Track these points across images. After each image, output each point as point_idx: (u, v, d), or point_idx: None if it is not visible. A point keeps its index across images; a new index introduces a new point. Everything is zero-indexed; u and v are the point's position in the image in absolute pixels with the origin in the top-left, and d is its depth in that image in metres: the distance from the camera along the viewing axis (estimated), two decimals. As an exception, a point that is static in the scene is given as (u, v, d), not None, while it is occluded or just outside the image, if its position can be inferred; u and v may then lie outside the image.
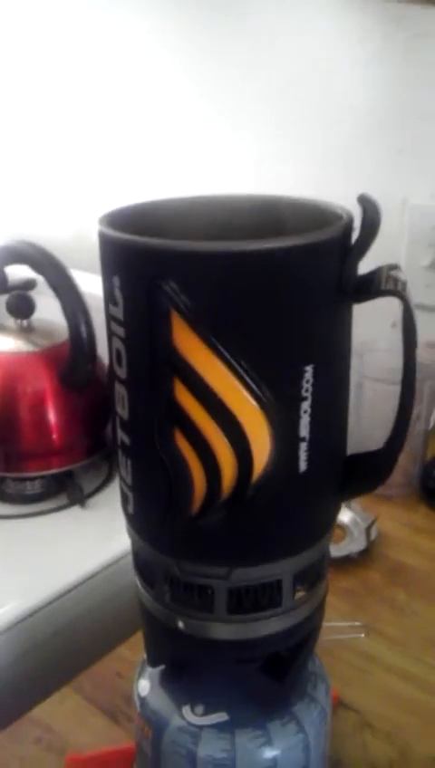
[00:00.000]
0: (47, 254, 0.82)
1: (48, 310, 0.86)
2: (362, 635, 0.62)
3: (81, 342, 0.82)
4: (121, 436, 0.38)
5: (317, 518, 0.39)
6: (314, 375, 0.35)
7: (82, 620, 0.70)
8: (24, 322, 0.88)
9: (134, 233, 0.34)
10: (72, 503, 0.85)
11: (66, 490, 0.87)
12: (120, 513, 0.41)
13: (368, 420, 0.75)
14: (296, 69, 0.98)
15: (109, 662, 0.61)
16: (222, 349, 0.33)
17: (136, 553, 0.42)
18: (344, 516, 0.76)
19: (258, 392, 0.34)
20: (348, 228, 0.35)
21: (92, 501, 0.85)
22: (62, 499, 0.86)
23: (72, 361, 0.84)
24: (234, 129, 1.08)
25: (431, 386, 0.80)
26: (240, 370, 0.34)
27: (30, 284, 0.89)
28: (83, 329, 0.81)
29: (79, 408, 0.87)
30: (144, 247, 0.33)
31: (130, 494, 0.39)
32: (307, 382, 0.35)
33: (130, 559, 0.43)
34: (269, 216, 0.41)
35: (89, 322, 0.81)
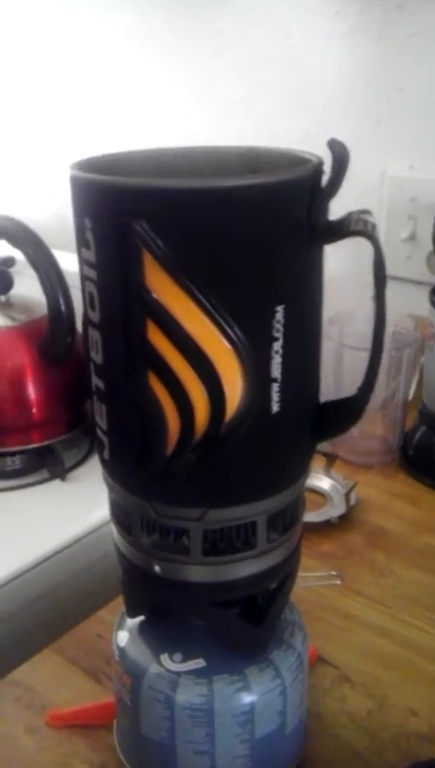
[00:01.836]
0: (26, 228, 0.82)
1: (27, 289, 0.86)
2: (338, 582, 0.62)
3: (59, 315, 0.82)
4: (96, 381, 0.39)
5: (291, 460, 0.40)
6: (285, 315, 0.35)
7: (63, 586, 0.70)
8: (2, 298, 0.88)
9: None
10: (52, 476, 0.85)
11: (47, 465, 0.87)
12: (101, 487, 0.42)
13: (348, 387, 0.76)
14: (270, 44, 0.99)
15: (89, 624, 0.61)
16: (193, 288, 0.34)
17: (112, 501, 0.42)
18: (324, 483, 0.76)
19: (230, 332, 0.35)
20: (317, 170, 0.36)
21: (73, 474, 0.86)
22: (44, 474, 0.86)
23: (50, 335, 0.84)
24: (205, 105, 1.08)
25: (410, 355, 0.81)
26: (212, 310, 0.34)
27: (8, 262, 0.89)
28: (62, 301, 0.81)
29: (59, 382, 0.87)
30: (114, 186, 0.33)
31: (105, 440, 0.40)
32: (278, 323, 0.35)
33: (110, 527, 0.43)
34: (247, 164, 0.42)
35: (67, 295, 0.81)
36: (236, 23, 1.01)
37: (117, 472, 0.40)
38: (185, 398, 0.36)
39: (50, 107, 1.28)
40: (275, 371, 0.36)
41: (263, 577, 0.40)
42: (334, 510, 0.72)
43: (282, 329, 0.36)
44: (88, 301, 0.37)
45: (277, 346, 0.36)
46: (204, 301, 0.34)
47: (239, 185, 0.33)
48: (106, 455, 0.40)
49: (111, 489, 0.41)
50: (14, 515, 0.78)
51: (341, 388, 0.76)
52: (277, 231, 0.34)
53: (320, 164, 0.36)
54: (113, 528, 0.43)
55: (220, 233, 0.33)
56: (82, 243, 0.36)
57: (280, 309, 0.35)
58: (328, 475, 0.77)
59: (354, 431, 0.61)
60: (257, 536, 0.39)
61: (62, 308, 0.82)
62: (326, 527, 0.71)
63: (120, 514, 0.41)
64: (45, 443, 0.87)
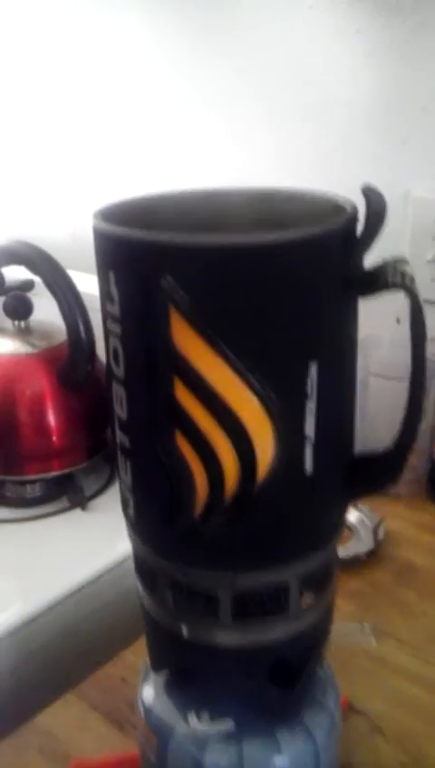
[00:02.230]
0: (44, 254, 0.80)
1: (46, 311, 0.85)
2: (372, 638, 0.60)
3: (79, 342, 0.81)
4: (121, 437, 0.37)
5: (324, 520, 0.38)
6: (319, 372, 0.34)
7: (84, 624, 0.69)
8: (22, 324, 0.87)
9: (130, 227, 0.33)
10: (73, 505, 0.84)
11: (67, 493, 0.85)
12: (122, 516, 0.40)
13: (373, 417, 0.74)
14: (290, 63, 0.97)
15: (113, 667, 0.60)
16: (223, 346, 0.32)
17: (137, 557, 0.40)
18: (351, 516, 0.74)
19: (261, 391, 0.33)
20: (352, 220, 0.34)
21: (94, 503, 0.84)
22: (63, 502, 0.85)
23: (70, 362, 0.83)
24: (227, 125, 1.06)
25: (437, 382, 0.79)
26: (242, 368, 0.33)
27: (27, 285, 0.88)
28: (81, 328, 0.80)
29: (79, 409, 0.85)
30: (140, 241, 0.32)
31: (130, 497, 0.38)
32: (312, 379, 0.34)
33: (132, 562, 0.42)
34: (268, 208, 0.40)
35: (87, 322, 0.80)
36: (255, 40, 1.00)
37: (142, 530, 0.39)
38: (214, 459, 0.34)
39: (70, 125, 1.27)
40: (310, 430, 0.35)
41: (295, 640, 0.39)
42: (362, 545, 0.70)
43: (315, 386, 0.34)
44: (112, 355, 0.35)
45: (311, 404, 0.34)
46: (234, 358, 0.32)
47: (272, 242, 0.31)
48: (131, 512, 0.39)
49: (135, 545, 0.40)
50: (33, 548, 0.77)
51: (366, 420, 0.74)
52: (311, 287, 0.33)
53: (354, 213, 0.34)
54: (138, 584, 0.41)
55: (251, 289, 0.32)
56: (105, 296, 0.34)
57: (314, 365, 0.34)
58: (354, 506, 0.75)
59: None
60: (290, 599, 0.37)
61: (82, 335, 0.81)
62: (354, 563, 0.69)
63: (145, 570, 0.40)
64: (66, 471, 0.86)
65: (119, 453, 0.38)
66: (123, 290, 0.33)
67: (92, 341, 0.82)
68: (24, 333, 0.87)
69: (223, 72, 1.05)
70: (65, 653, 0.67)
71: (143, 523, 0.38)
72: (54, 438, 0.85)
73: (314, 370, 0.34)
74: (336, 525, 0.39)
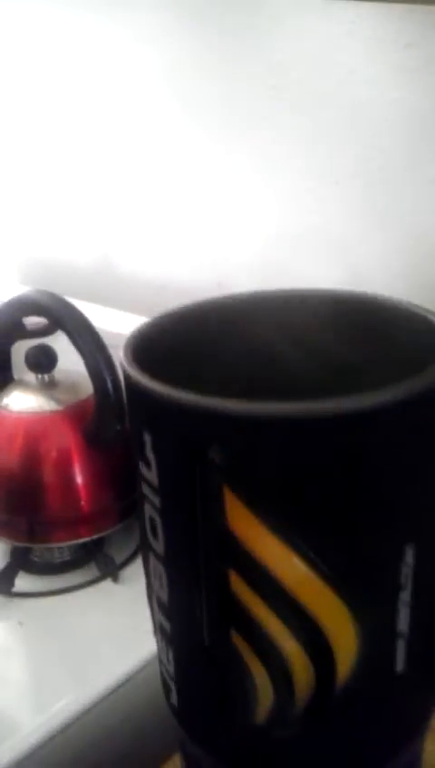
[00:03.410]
0: (66, 305, 0.74)
1: (69, 353, 0.78)
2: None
3: (107, 400, 0.74)
4: (159, 617, 0.30)
5: (413, 720, 0.30)
6: (418, 557, 0.26)
7: (118, 733, 0.62)
8: (46, 377, 0.80)
9: (170, 361, 0.26)
10: (103, 575, 0.77)
11: (95, 559, 0.78)
12: None
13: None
14: (330, 79, 0.89)
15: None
16: (292, 534, 0.25)
17: (182, 748, 0.33)
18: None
19: (340, 583, 0.26)
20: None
21: (126, 573, 0.77)
22: (92, 569, 0.78)
23: (98, 420, 0.76)
24: (261, 144, 0.98)
25: None
26: (316, 559, 0.25)
27: (50, 329, 0.81)
28: (110, 386, 0.73)
29: (108, 469, 0.79)
30: (184, 406, 0.24)
31: (172, 686, 0.31)
32: (407, 566, 0.26)
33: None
34: (363, 320, 0.32)
35: (115, 379, 0.73)
36: (293, 55, 0.92)
37: (189, 724, 0.31)
38: (280, 662, 0.27)
39: (98, 147, 1.20)
40: (402, 625, 0.27)
41: None
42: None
43: (411, 573, 0.26)
44: (149, 525, 0.28)
45: (405, 595, 0.27)
46: (306, 549, 0.25)
47: (355, 410, 0.23)
48: (174, 700, 0.31)
49: (181, 739, 0.33)
50: (59, 635, 0.70)
51: None
52: (405, 453, 0.25)
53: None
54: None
55: (327, 466, 0.24)
56: (141, 458, 0.27)
57: (410, 549, 0.26)
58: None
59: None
60: None
61: (111, 393, 0.74)
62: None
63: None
64: (96, 536, 0.79)
65: (158, 634, 0.30)
66: (163, 457, 0.26)
67: (121, 397, 0.74)
68: (48, 387, 0.80)
69: (256, 90, 0.97)
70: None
71: (190, 717, 0.31)
72: (82, 502, 0.78)
73: (410, 556, 0.26)
74: (425, 721, 0.31)
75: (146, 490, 0.28)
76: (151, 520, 0.28)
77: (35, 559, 0.81)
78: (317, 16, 0.88)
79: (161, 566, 0.28)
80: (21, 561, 0.79)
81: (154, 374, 0.25)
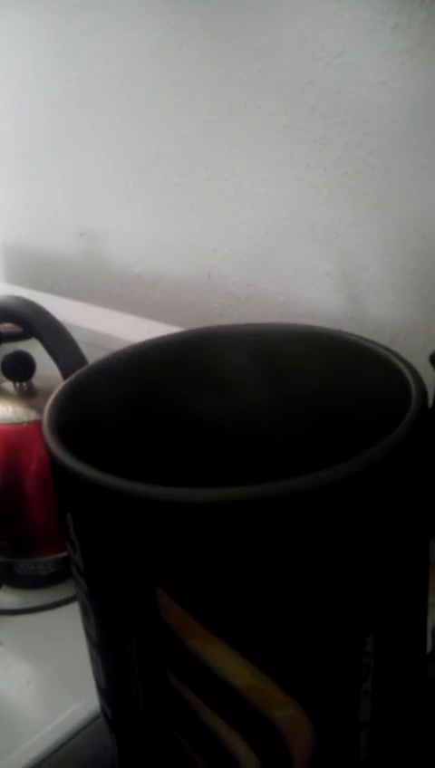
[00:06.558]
0: (41, 311, 0.70)
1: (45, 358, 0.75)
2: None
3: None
4: (101, 702, 0.27)
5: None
6: (377, 645, 0.23)
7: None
8: (24, 385, 0.77)
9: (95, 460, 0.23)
10: (89, 589, 0.75)
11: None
12: None
13: None
14: (316, 62, 0.84)
15: None
16: (234, 634, 0.22)
17: None
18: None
19: (293, 682, 0.23)
20: (420, 414, 0.23)
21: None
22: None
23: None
24: (246, 130, 0.94)
25: None
26: (264, 659, 0.22)
27: (24, 335, 0.78)
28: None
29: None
30: (105, 488, 0.21)
31: (117, 764, 0.28)
32: (368, 656, 0.23)
33: None
34: (305, 350, 0.29)
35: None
36: (278, 38, 0.87)
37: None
38: (227, 761, 0.24)
39: (83, 137, 1.16)
40: (365, 715, 0.24)
41: None
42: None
43: (373, 662, 0.23)
44: (81, 607, 0.25)
45: (367, 685, 0.24)
46: (251, 649, 0.22)
47: (300, 490, 0.20)
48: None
49: None
50: (42, 653, 0.67)
51: None
52: (359, 537, 0.22)
53: (423, 400, 0.23)
54: None
55: (272, 556, 0.21)
56: (66, 537, 0.24)
57: (370, 639, 0.23)
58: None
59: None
60: None
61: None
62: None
63: None
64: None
65: (103, 715, 0.28)
66: (87, 543, 0.23)
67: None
68: (27, 396, 0.77)
69: (239, 73, 0.92)
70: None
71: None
72: (65, 515, 0.75)
73: (369, 646, 0.23)
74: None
75: (74, 572, 0.25)
76: (82, 603, 0.25)
77: (19, 572, 0.79)
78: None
79: (96, 652, 0.25)
80: (4, 576, 0.77)
81: (85, 432, 0.23)
